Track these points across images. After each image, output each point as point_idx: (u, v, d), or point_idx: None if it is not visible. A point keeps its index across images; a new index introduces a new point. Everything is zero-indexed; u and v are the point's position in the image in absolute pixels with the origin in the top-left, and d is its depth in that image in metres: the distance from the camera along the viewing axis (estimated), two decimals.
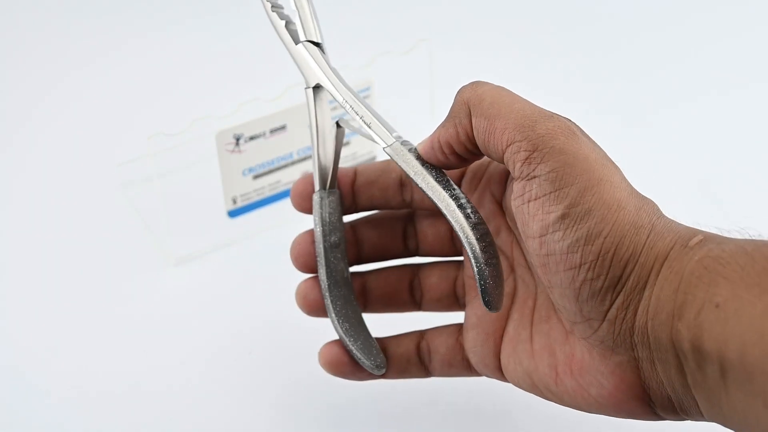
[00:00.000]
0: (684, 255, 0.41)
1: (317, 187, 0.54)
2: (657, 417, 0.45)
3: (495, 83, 0.48)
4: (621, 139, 0.85)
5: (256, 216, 0.78)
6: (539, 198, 0.44)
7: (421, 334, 0.56)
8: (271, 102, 0.74)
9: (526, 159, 0.44)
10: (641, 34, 0.97)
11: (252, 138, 0.74)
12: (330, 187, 0.53)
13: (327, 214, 0.53)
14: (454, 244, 0.56)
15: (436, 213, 0.55)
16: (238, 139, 0.74)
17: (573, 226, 0.43)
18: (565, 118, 0.46)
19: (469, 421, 0.63)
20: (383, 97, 0.83)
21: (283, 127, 0.75)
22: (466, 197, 0.48)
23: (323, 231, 0.53)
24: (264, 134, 0.75)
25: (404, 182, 0.54)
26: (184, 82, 0.92)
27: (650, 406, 0.44)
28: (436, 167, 0.49)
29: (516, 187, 0.45)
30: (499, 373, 0.52)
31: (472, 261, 0.47)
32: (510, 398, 0.62)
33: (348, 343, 0.54)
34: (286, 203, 0.78)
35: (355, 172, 0.55)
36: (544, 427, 0.61)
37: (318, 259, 0.54)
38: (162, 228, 0.74)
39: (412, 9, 1.01)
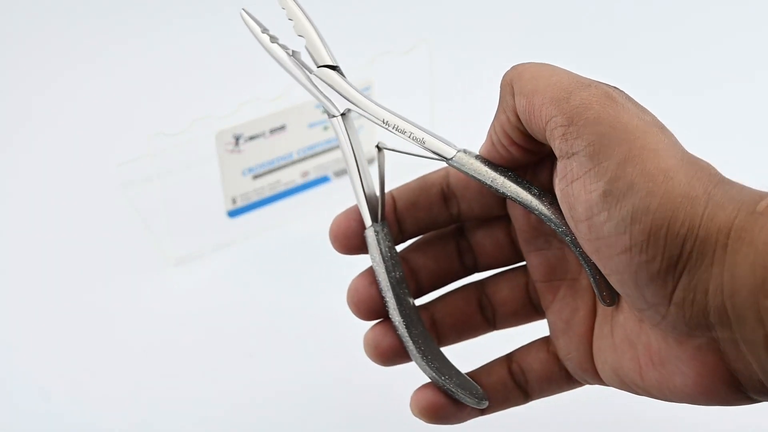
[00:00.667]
0: (753, 223, 0.38)
1: (368, 221, 0.48)
2: (750, 400, 0.41)
3: (535, 62, 0.45)
4: None
5: (256, 216, 0.77)
6: (580, 177, 0.41)
7: (508, 358, 0.50)
8: (271, 102, 0.74)
9: (563, 135, 0.41)
10: (642, 32, 0.97)
11: (252, 138, 0.74)
12: (382, 219, 0.49)
13: (386, 249, 0.48)
14: (515, 250, 0.51)
15: (488, 220, 0.51)
16: (237, 139, 0.74)
17: (617, 204, 0.39)
18: (606, 84, 0.42)
19: None
20: (383, 97, 0.83)
21: (282, 127, 0.75)
22: (548, 194, 0.45)
23: (387, 268, 0.48)
24: (264, 134, 0.75)
25: (447, 195, 0.50)
26: (184, 82, 0.92)
27: (741, 390, 0.41)
28: (508, 169, 0.46)
29: (558, 168, 0.42)
30: (597, 378, 0.48)
31: (582, 259, 0.44)
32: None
33: (444, 382, 0.48)
34: (286, 203, 0.78)
35: (393, 198, 0.50)
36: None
37: (386, 300, 0.48)
38: (162, 228, 0.74)
39: (412, 9, 1.00)
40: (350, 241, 0.49)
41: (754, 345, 0.38)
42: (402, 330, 0.48)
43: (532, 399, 0.50)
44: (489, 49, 0.96)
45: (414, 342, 0.48)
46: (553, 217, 0.44)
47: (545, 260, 0.49)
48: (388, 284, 0.48)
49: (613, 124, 0.40)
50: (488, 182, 0.46)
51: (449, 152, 0.47)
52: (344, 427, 0.63)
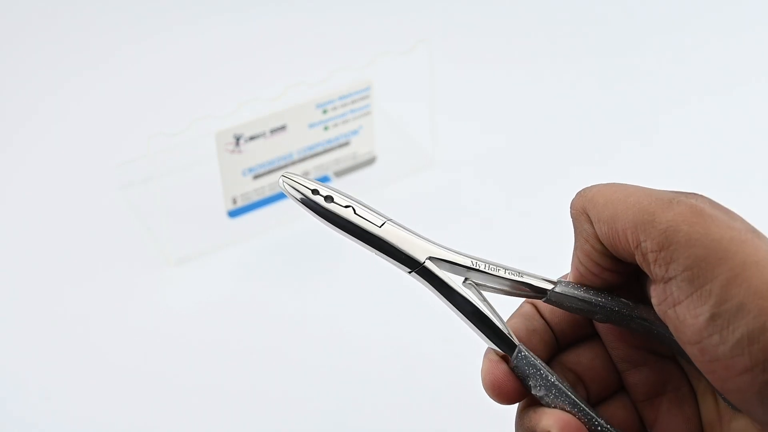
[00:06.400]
0: None
1: (509, 352, 0.45)
2: None
3: (602, 183, 0.43)
4: (626, 140, 0.85)
5: (256, 216, 0.78)
6: (683, 301, 0.39)
7: None
8: (271, 102, 0.74)
9: (656, 260, 0.40)
10: (644, 34, 0.97)
11: (252, 138, 0.74)
12: (515, 344, 0.45)
13: (543, 365, 0.45)
14: (616, 373, 0.48)
15: (583, 344, 0.48)
16: (238, 139, 0.74)
17: (728, 327, 0.38)
18: (688, 196, 0.40)
19: None
20: (383, 97, 0.83)
21: (283, 127, 0.75)
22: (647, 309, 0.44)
23: (559, 383, 0.44)
24: (264, 134, 0.75)
25: (545, 319, 0.47)
26: (183, 82, 0.92)
27: None
28: (604, 290, 0.45)
29: (656, 292, 0.41)
30: None
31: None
32: None
33: None
34: (286, 203, 0.78)
35: (513, 334, 0.46)
36: None
37: (574, 412, 0.44)
38: (162, 228, 0.74)
39: (412, 9, 1.00)
40: (514, 386, 0.45)
41: None
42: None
43: None
44: (489, 49, 0.96)
45: None
46: (668, 334, 0.43)
47: (643, 377, 0.47)
48: (575, 398, 0.44)
49: (706, 244, 0.39)
50: (595, 311, 0.44)
51: (548, 285, 0.45)
52: (341, 424, 0.64)
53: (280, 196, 0.78)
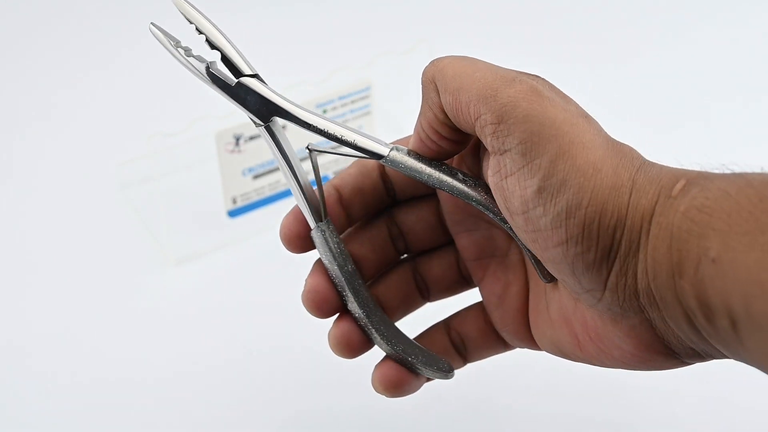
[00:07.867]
0: (669, 208, 0.40)
1: (312, 222, 0.49)
2: (685, 364, 0.44)
3: (454, 56, 0.46)
4: (626, 140, 0.85)
5: (256, 216, 0.78)
6: (514, 173, 0.42)
7: (446, 324, 0.53)
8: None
9: (494, 132, 0.42)
10: (643, 35, 0.97)
11: (252, 138, 0.74)
12: (325, 217, 0.49)
13: (335, 245, 0.49)
14: (444, 230, 0.52)
15: (417, 203, 0.52)
16: (238, 139, 0.74)
17: (551, 200, 0.41)
18: (530, 77, 0.43)
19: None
20: (382, 98, 0.83)
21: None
22: (483, 184, 0.46)
23: (339, 264, 0.49)
24: None
25: (385, 175, 0.51)
26: (183, 82, 0.92)
27: (676, 357, 0.43)
28: (440, 162, 0.47)
29: (491, 163, 0.43)
30: (535, 345, 0.50)
31: (522, 244, 0.45)
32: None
33: (412, 363, 0.50)
34: (286, 203, 0.78)
35: (335, 189, 0.50)
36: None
37: (345, 295, 0.49)
38: (162, 228, 0.75)
39: (412, 9, 1.01)
40: (302, 242, 0.50)
41: (677, 321, 0.41)
42: (365, 321, 0.49)
43: (469, 362, 0.52)
44: (488, 49, 0.95)
45: (377, 330, 0.49)
46: (491, 206, 0.46)
47: (474, 240, 0.51)
48: (344, 279, 0.49)
49: (542, 120, 0.42)
50: (424, 179, 0.47)
51: (383, 151, 0.47)
52: (347, 423, 0.64)
53: (279, 196, 0.78)
